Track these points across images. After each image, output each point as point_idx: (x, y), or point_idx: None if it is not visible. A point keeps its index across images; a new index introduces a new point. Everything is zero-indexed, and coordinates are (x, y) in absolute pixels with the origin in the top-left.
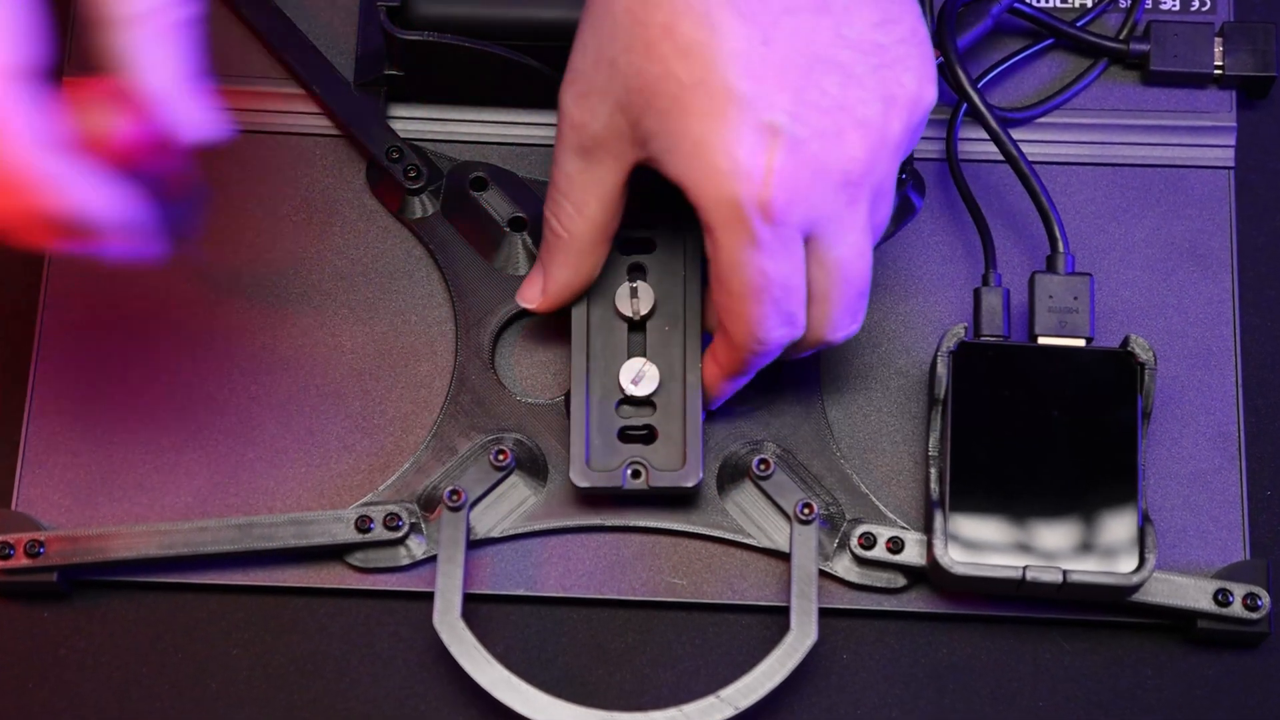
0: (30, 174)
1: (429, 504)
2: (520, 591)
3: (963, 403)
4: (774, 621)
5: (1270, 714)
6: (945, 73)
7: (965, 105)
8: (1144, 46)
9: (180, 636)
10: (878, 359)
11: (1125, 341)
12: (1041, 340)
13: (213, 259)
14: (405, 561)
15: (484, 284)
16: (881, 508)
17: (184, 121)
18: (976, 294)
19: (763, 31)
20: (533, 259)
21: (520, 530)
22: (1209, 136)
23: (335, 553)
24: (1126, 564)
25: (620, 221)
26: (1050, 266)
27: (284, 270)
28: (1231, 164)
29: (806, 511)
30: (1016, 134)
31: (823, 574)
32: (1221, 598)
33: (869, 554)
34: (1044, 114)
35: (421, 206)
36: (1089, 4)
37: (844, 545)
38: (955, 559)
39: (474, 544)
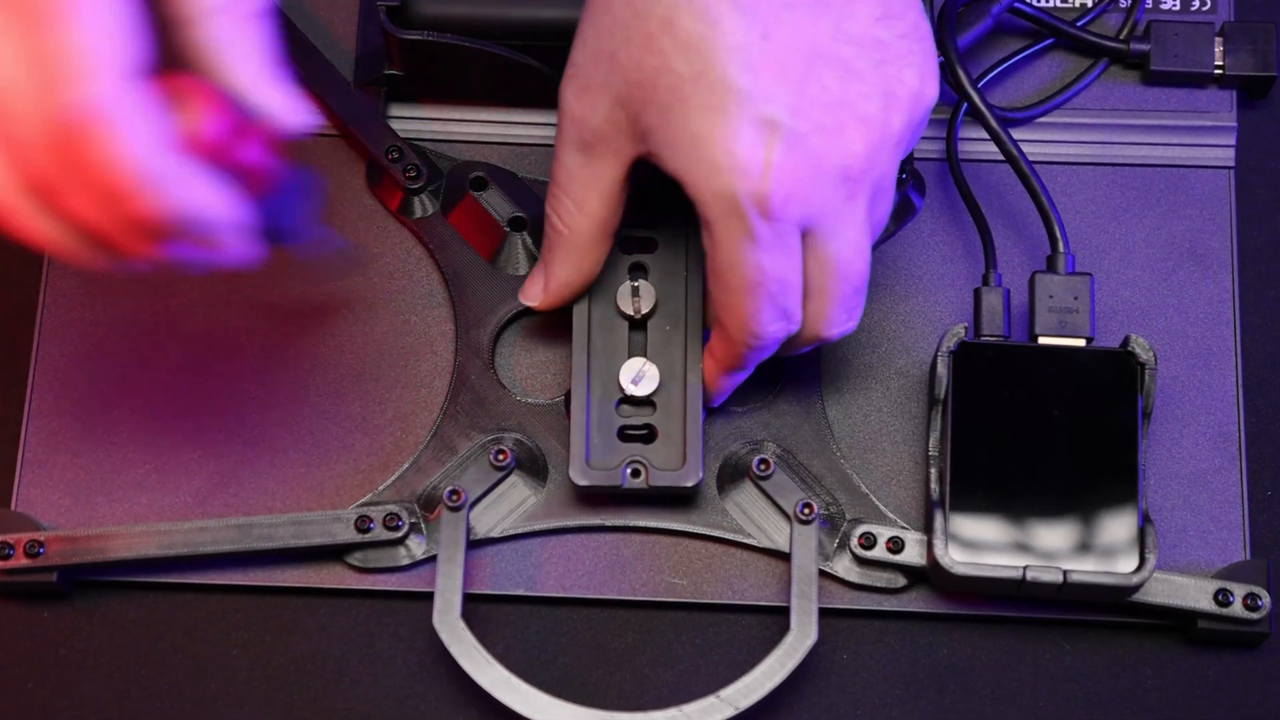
0: (144, 176)
1: (429, 504)
2: (520, 591)
3: (963, 403)
4: (774, 621)
5: (1270, 714)
6: (945, 72)
7: (965, 105)
8: (1144, 46)
9: (180, 636)
10: (878, 359)
11: (1125, 341)
12: (1042, 340)
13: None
14: (405, 561)
15: (484, 284)
16: (881, 508)
17: (273, 112)
18: (977, 294)
19: (763, 26)
20: (533, 259)
21: (520, 530)
22: (1209, 136)
23: (335, 553)
24: (1127, 564)
25: (621, 218)
26: (1050, 266)
27: (284, 270)
28: (1232, 164)
29: (806, 511)
30: (1017, 134)
31: (823, 574)
32: (1222, 598)
33: (869, 554)
34: (1044, 114)
35: (421, 206)
36: (1089, 4)
37: (844, 545)
38: (955, 559)
39: (474, 544)
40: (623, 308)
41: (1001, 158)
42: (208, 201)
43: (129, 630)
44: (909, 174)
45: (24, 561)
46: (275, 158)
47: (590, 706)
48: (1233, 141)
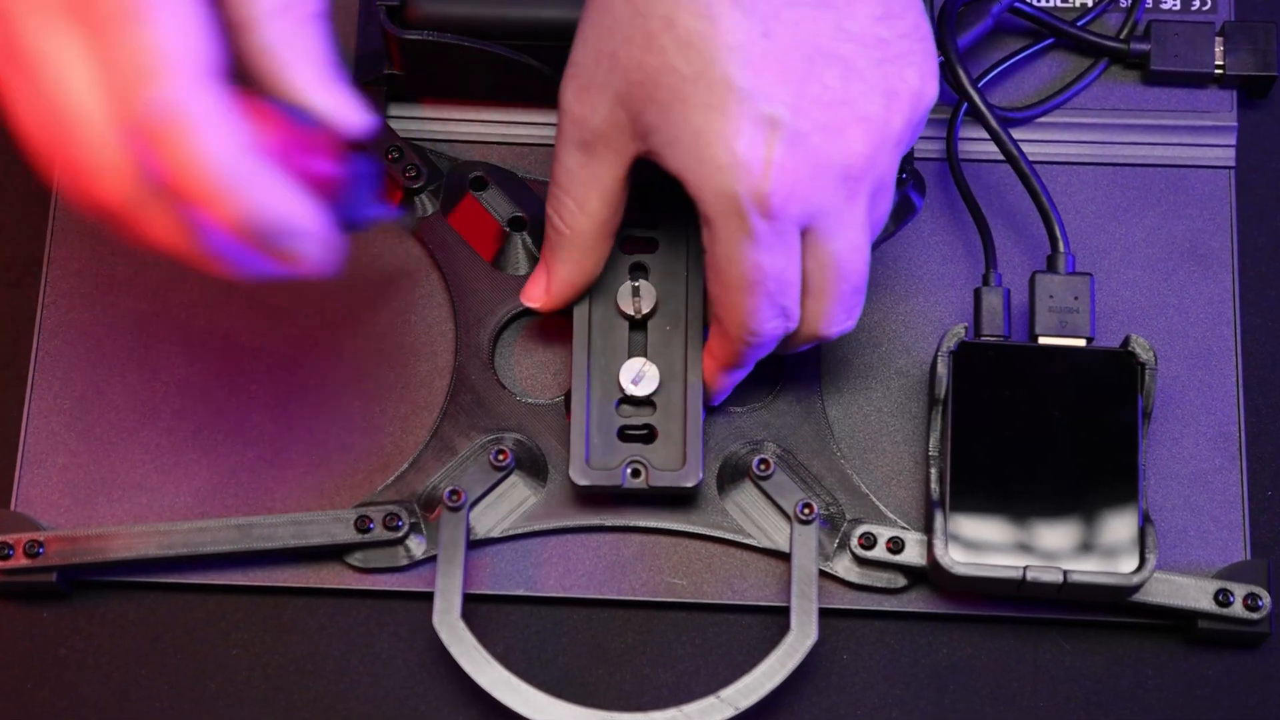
0: (225, 178)
1: (429, 504)
2: (520, 591)
3: (963, 403)
4: (774, 621)
5: (1271, 714)
6: (945, 72)
7: (965, 105)
8: (1144, 46)
9: (180, 636)
10: (878, 359)
11: (1126, 341)
12: (1042, 340)
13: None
14: (405, 562)
15: (484, 284)
16: (882, 508)
17: (334, 116)
18: (977, 294)
19: (763, 24)
20: (533, 259)
21: (520, 530)
22: (1210, 136)
23: (335, 553)
24: (1127, 564)
25: (622, 217)
26: (1051, 266)
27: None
28: (1232, 164)
29: (807, 511)
30: (1017, 133)
31: (823, 574)
32: (1222, 598)
33: (869, 554)
34: (1044, 114)
35: (421, 206)
36: (1089, 3)
37: (844, 545)
38: (956, 559)
39: (474, 544)
40: (623, 308)
41: (1001, 158)
42: (290, 207)
43: (129, 630)
44: (909, 174)
45: (23, 562)
46: (340, 161)
47: (590, 706)
48: (1233, 141)
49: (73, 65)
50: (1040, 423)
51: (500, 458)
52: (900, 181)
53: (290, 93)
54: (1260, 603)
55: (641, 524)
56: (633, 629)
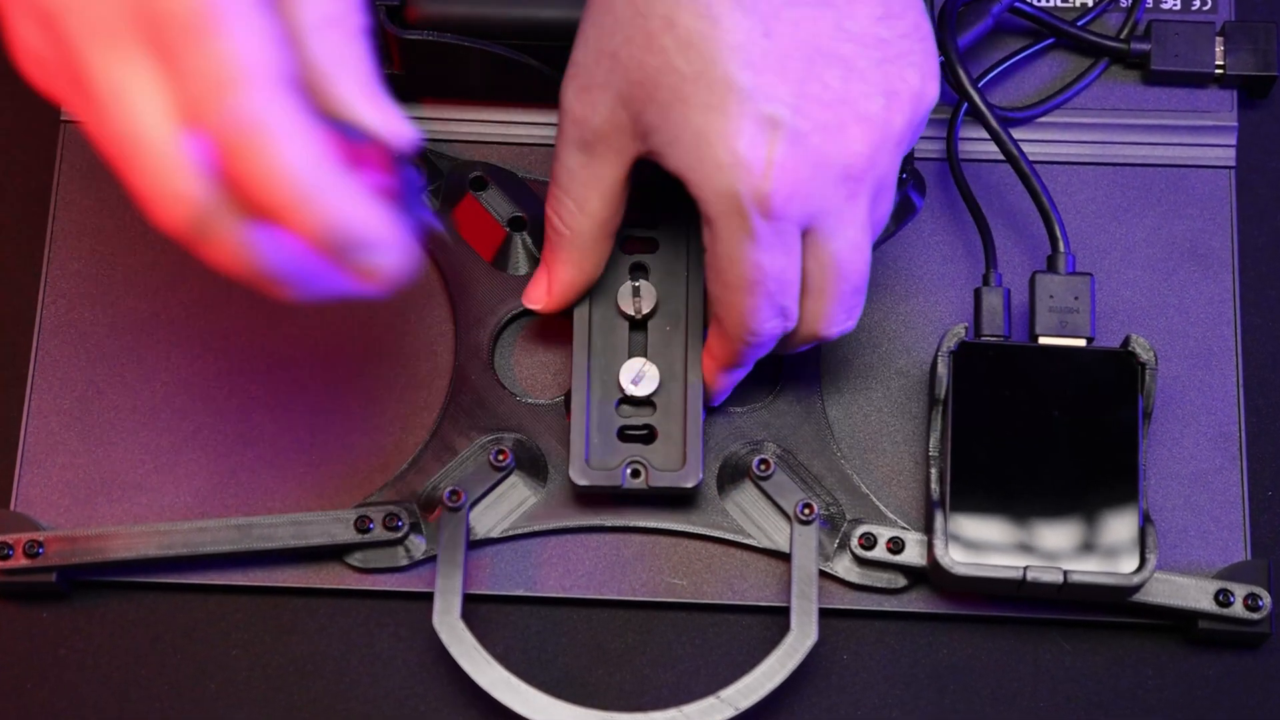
0: (305, 188)
1: (429, 504)
2: (520, 592)
3: (963, 403)
4: (774, 622)
5: (1271, 715)
6: (946, 72)
7: (966, 104)
8: (1145, 46)
9: (180, 637)
10: (878, 359)
11: (1126, 341)
12: (1042, 340)
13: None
14: (405, 562)
15: (484, 284)
16: (882, 508)
17: (381, 130)
18: (977, 294)
19: (764, 24)
20: (533, 258)
21: (520, 530)
22: (1210, 136)
23: (335, 553)
24: (1127, 564)
25: (622, 217)
26: (1051, 266)
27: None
28: (1232, 164)
29: (807, 512)
30: (1017, 133)
31: (823, 574)
32: (1222, 598)
33: (869, 554)
34: (1044, 113)
35: None
36: (1090, 3)
37: (844, 545)
38: (956, 559)
39: (474, 544)
40: (623, 308)
41: (1002, 158)
42: (370, 217)
43: (128, 630)
44: (909, 174)
45: (23, 562)
46: (389, 174)
47: (590, 707)
48: (1233, 141)
49: (141, 88)
50: (1040, 423)
51: (500, 458)
52: (901, 181)
53: (339, 107)
54: (1260, 603)
55: (641, 524)
56: (633, 629)
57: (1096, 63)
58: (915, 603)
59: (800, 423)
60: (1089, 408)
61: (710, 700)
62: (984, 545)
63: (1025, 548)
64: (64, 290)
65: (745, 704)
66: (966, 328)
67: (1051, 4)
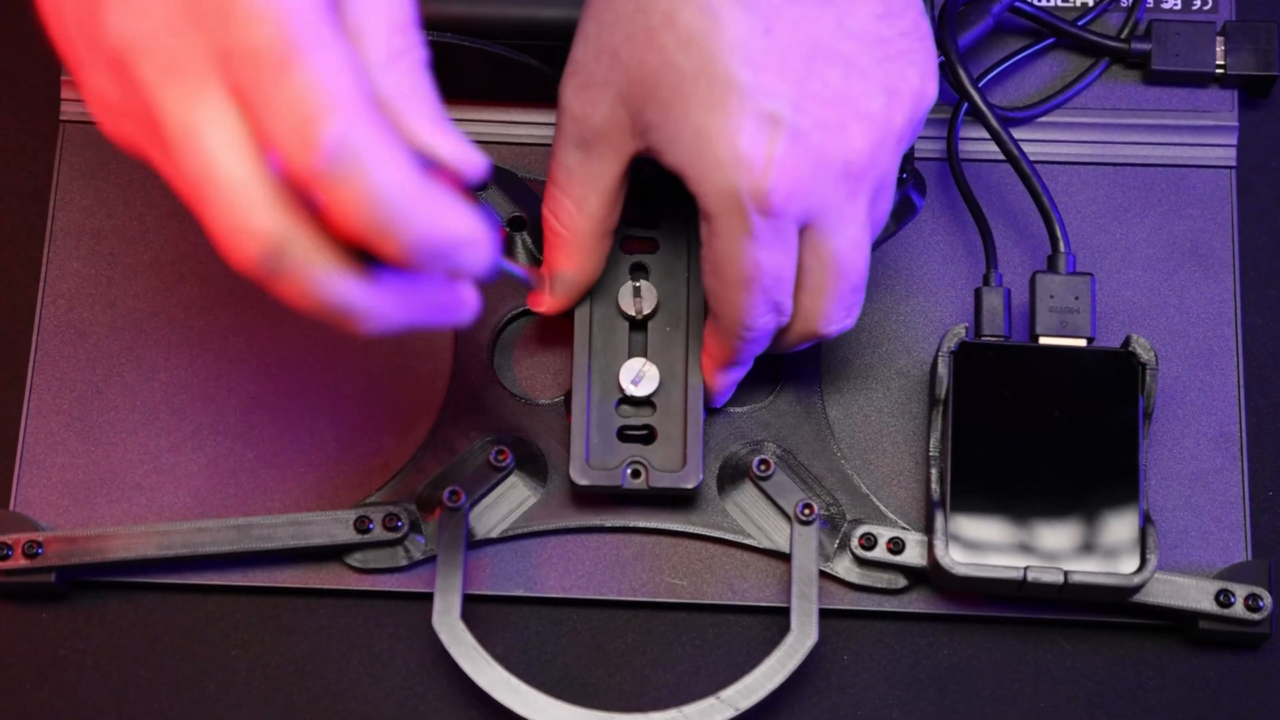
0: (405, 203)
1: (428, 504)
2: (520, 592)
3: (964, 403)
4: (774, 622)
5: (1272, 715)
6: (946, 72)
7: (966, 104)
8: (1145, 46)
9: (179, 637)
10: (878, 359)
11: (1126, 341)
12: (1043, 340)
13: (211, 261)
14: (404, 562)
15: (484, 284)
16: (882, 508)
17: (454, 161)
18: (977, 294)
19: (764, 21)
20: (533, 258)
21: (520, 530)
22: (1210, 136)
23: (335, 553)
24: (1128, 564)
25: (620, 216)
26: (1051, 266)
27: None
28: (1233, 163)
29: (807, 512)
30: (1017, 133)
31: (823, 575)
32: (1223, 598)
33: (870, 554)
34: (1045, 113)
35: None
36: (1090, 3)
37: (844, 546)
38: (956, 559)
39: (474, 544)
40: (624, 308)
41: (1002, 157)
42: (462, 219)
43: (128, 631)
44: (910, 173)
45: (22, 562)
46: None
47: (590, 707)
48: (1234, 141)
49: (216, 124)
50: (1041, 423)
51: (500, 458)
52: (901, 181)
53: (412, 138)
54: (1261, 603)
55: (641, 524)
56: (633, 629)
57: (1097, 62)
58: (915, 603)
59: (800, 423)
60: (1089, 408)
61: (710, 701)
62: (984, 545)
63: (1026, 548)
64: (63, 290)
65: (745, 704)
66: (967, 328)
67: (1052, 4)
